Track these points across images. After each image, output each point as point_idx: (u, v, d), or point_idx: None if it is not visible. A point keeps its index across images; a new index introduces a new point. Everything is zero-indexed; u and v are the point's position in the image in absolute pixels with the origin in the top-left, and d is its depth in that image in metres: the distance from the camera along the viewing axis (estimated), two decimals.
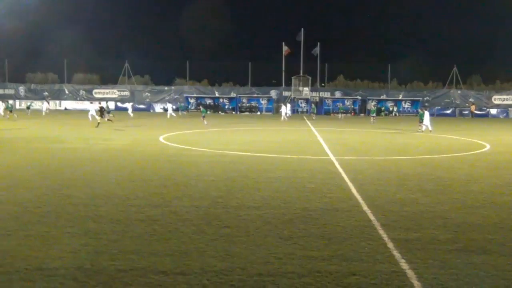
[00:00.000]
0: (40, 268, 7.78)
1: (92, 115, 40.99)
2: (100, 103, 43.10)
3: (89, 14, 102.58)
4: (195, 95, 67.57)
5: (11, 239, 9.19)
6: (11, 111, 45.10)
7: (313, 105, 61.77)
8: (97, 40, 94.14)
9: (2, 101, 49.62)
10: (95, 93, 68.91)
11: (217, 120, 48.70)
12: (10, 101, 53.78)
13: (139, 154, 21.82)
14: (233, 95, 67.67)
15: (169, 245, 8.99)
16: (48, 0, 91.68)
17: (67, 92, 69.00)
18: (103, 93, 68.69)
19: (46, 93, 67.84)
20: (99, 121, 35.49)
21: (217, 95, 68.21)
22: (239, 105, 66.57)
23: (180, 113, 57.96)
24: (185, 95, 67.36)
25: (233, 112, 65.65)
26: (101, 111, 35.97)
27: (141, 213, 11.20)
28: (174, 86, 71.50)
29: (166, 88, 70.26)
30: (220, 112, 65.11)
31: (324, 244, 9.14)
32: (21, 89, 68.88)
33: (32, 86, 70.38)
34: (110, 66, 75.60)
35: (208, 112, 43.74)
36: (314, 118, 53.56)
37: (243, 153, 22.33)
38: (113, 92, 69.14)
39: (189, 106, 66.41)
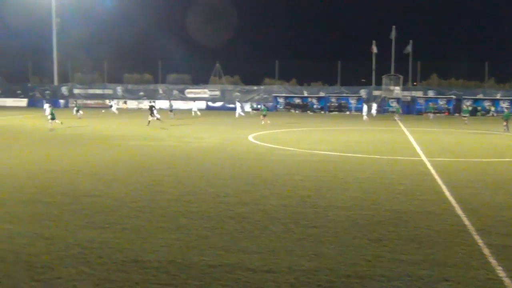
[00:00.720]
0: (135, 260, 8.14)
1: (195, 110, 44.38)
2: (150, 102, 44.21)
3: (181, 16, 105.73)
4: (284, 95, 67.82)
5: (109, 232, 9.67)
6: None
7: (397, 105, 60.12)
8: (190, 41, 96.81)
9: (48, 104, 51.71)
10: (187, 92, 70.92)
11: (305, 120, 48.61)
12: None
13: (229, 152, 22.24)
14: (321, 94, 67.26)
15: (257, 242, 9.10)
16: (144, 6, 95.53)
17: (161, 92, 71.51)
18: (195, 93, 70.52)
19: (141, 93, 70.76)
20: (149, 119, 36.24)
21: (305, 94, 68.08)
22: (327, 104, 66.05)
23: (251, 112, 57.93)
24: (273, 94, 67.80)
25: (322, 112, 65.23)
26: (151, 110, 36.60)
27: (231, 210, 11.41)
28: (263, 86, 72.17)
29: (255, 87, 71.05)
30: (308, 111, 64.93)
31: (415, 247, 8.89)
32: (119, 89, 72.14)
33: (129, 86, 73.55)
34: (201, 67, 77.50)
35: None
36: (396, 118, 51.17)
37: (332, 153, 22.15)
38: (204, 92, 70.84)
39: (278, 106, 66.73)
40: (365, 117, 49.91)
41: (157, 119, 36.58)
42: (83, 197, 12.60)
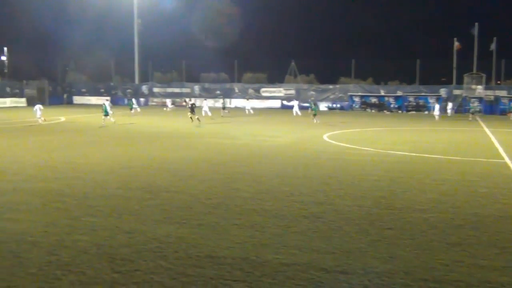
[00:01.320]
0: (210, 256, 8.31)
1: (205, 111, 44.81)
2: (190, 100, 44.35)
3: (255, 16, 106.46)
4: (359, 94, 66.86)
5: (185, 227, 9.93)
6: (131, 109, 47.98)
7: (475, 104, 57.63)
8: (264, 40, 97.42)
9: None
10: (263, 91, 71.40)
11: (382, 119, 47.71)
12: (133, 99, 57.17)
13: (303, 151, 22.21)
14: (399, 93, 65.73)
15: (331, 242, 9.05)
16: (220, 7, 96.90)
17: (236, 90, 72.40)
18: (270, 92, 70.87)
19: (218, 92, 71.92)
20: (190, 116, 36.24)
21: (382, 93, 66.77)
22: (405, 104, 64.48)
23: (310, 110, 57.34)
24: (349, 93, 66.98)
25: (399, 111, 63.71)
26: (192, 108, 36.53)
27: (305, 210, 11.40)
28: (338, 85, 71.43)
29: (330, 86, 70.42)
30: (385, 111, 63.65)
31: (496, 253, 8.54)
32: (196, 88, 73.67)
33: (206, 85, 74.94)
34: (277, 66, 77.70)
35: (317, 109, 42.24)
36: (470, 118, 48.54)
37: (408, 154, 21.62)
38: (279, 91, 71.03)
39: (354, 105, 65.88)
40: (436, 117, 48.23)
41: (197, 118, 36.39)
42: (161, 193, 12.99)
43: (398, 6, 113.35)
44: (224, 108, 49.15)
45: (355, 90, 68.59)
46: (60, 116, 41.32)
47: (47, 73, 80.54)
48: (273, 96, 69.93)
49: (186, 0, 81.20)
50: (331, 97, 68.95)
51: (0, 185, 13.77)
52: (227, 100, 64.96)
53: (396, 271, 7.70)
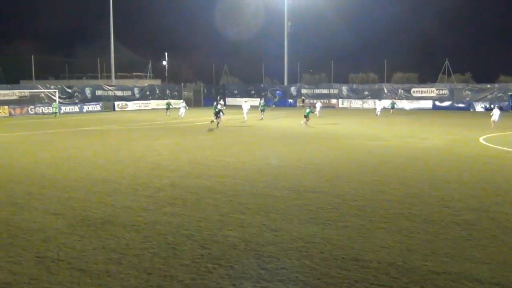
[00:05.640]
0: (355, 258, 8.22)
1: (246, 113, 42.60)
2: (219, 102, 40.78)
3: (406, 14, 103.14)
4: None
5: (331, 228, 9.93)
6: (168, 109, 47.97)
7: None
8: (416, 38, 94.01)
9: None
10: (413, 92, 68.97)
11: None
12: (171, 100, 57.27)
13: (456, 154, 21.07)
14: None
15: (486, 252, 8.50)
16: (367, 7, 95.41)
17: (386, 91, 70.72)
18: (421, 92, 68.21)
19: (366, 93, 70.89)
20: (214, 120, 34.29)
21: None
22: None
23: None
24: (510, 93, 62.25)
25: None
26: (218, 112, 34.22)
27: (457, 216, 10.83)
28: (497, 84, 66.69)
29: (488, 85, 65.98)
30: None
31: None
32: (344, 89, 73.22)
33: (354, 86, 74.22)
34: (429, 64, 74.75)
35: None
36: None
37: None
38: (431, 91, 68.13)
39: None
40: None
41: (218, 122, 34.29)
42: (307, 193, 13.11)
43: None
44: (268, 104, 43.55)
45: None
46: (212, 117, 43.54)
47: (202, 76, 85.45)
48: (424, 96, 67.18)
49: (335, 1, 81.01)
50: (489, 97, 64.54)
51: (159, 181, 14.84)
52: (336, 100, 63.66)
53: None
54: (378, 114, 48.71)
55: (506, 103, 61.14)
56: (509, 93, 62.54)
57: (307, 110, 36.81)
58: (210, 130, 33.09)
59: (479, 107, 63.45)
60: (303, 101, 68.09)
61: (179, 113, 44.15)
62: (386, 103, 59.97)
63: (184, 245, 8.93)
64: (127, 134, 30.38)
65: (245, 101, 46.35)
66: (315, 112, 42.84)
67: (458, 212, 11.13)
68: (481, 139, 26.94)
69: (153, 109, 62.05)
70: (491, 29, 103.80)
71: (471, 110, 63.64)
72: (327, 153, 21.22)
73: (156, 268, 7.86)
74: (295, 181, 14.88)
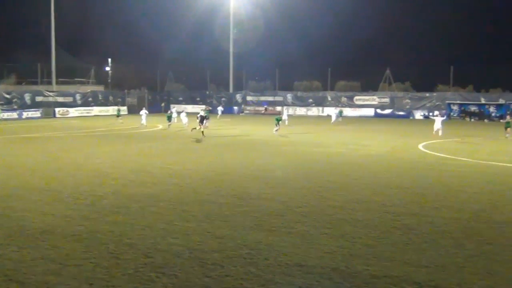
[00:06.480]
0: (299, 264, 8.29)
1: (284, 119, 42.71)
2: (202, 111, 36.67)
3: (349, 24, 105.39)
4: (458, 102, 64.20)
5: (275, 235, 9.98)
6: (118, 116, 46.86)
7: None
8: (359, 47, 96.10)
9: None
10: (356, 100, 70.42)
11: (482, 129, 45.55)
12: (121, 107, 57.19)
13: (396, 161, 21.64)
14: (501, 101, 62.43)
15: (425, 256, 8.75)
16: (312, 16, 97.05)
17: (329, 99, 71.91)
18: (364, 100, 69.75)
19: (310, 100, 71.87)
20: (197, 128, 31.68)
21: (483, 101, 63.73)
22: (508, 112, 61.12)
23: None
24: (447, 101, 64.51)
25: (500, 120, 60.45)
26: (202, 119, 31.98)
27: (397, 221, 11.11)
28: (435, 93, 69.00)
29: (427, 94, 68.16)
30: (485, 120, 60.71)
31: None
32: (289, 96, 73.95)
33: (298, 93, 75.08)
34: (372, 73, 76.39)
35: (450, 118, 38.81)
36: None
37: (511, 165, 20.47)
38: (373, 99, 69.76)
39: (452, 114, 63.39)
40: None
41: (203, 130, 31.81)
42: (252, 200, 13.15)
43: (499, 9, 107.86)
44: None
45: (454, 98, 65.96)
46: (158, 123, 43.00)
47: (147, 82, 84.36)
48: (366, 104, 68.77)
49: (280, 10, 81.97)
50: (428, 105, 66.71)
51: (101, 189, 14.53)
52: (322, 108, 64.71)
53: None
54: (333, 122, 47.66)
55: (444, 111, 63.34)
56: (447, 102, 64.84)
57: (277, 117, 36.18)
58: (156, 137, 32.72)
59: (418, 115, 65.49)
60: (265, 109, 68.54)
61: (142, 121, 41.88)
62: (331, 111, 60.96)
63: (126, 254, 8.77)
64: (69, 142, 29.64)
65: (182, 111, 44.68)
66: (283, 120, 42.30)
67: (398, 217, 11.42)
68: (420, 146, 27.78)
69: (95, 115, 60.83)
70: (430, 39, 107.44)
71: (411, 117, 65.59)
72: (272, 160, 21.35)
73: (97, 278, 7.68)
74: (240, 188, 14.89)
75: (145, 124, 40.82)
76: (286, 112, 49.67)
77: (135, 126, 40.25)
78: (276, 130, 34.86)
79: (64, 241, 9.51)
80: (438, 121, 34.63)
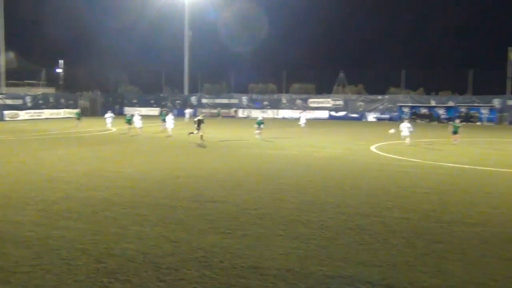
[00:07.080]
0: (254, 266, 8.30)
1: (303, 123, 42.55)
2: (199, 115, 35.53)
3: (304, 27, 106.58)
4: (409, 104, 65.76)
5: (230, 237, 9.97)
6: (78, 119, 45.01)
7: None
8: (313, 51, 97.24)
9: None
10: (310, 102, 71.18)
11: (432, 131, 46.72)
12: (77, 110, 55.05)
13: (350, 162, 21.97)
14: (450, 104, 64.29)
15: (377, 255, 8.90)
16: (268, 17, 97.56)
17: (284, 101, 72.43)
18: (318, 103, 70.59)
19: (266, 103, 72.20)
20: (194, 131, 31.59)
21: (433, 104, 65.46)
22: (456, 114, 62.95)
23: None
24: (398, 104, 65.99)
25: (449, 122, 62.30)
26: (199, 123, 31.59)
27: (351, 221, 11.27)
28: (387, 95, 70.48)
29: (379, 97, 69.57)
30: (435, 122, 62.36)
31: None
32: (244, 99, 74.12)
33: (254, 96, 75.34)
34: (325, 76, 77.40)
35: (418, 121, 38.83)
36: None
37: (460, 166, 21.07)
38: (327, 102, 70.67)
39: (403, 116, 64.85)
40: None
41: (200, 134, 31.33)
42: (207, 203, 13.09)
43: (444, 13, 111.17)
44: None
45: (405, 100, 67.53)
46: (112, 127, 42.31)
47: (100, 84, 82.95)
48: (320, 107, 69.63)
49: (236, 13, 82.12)
50: (380, 107, 68.08)
51: (53, 194, 14.18)
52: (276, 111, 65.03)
53: (445, 285, 7.51)
54: (303, 125, 45.08)
55: (396, 113, 64.70)
56: (398, 104, 66.28)
57: (259, 119, 35.20)
58: (108, 141, 32.19)
59: (371, 117, 66.73)
60: (235, 111, 68.56)
61: (107, 124, 40.80)
62: (287, 113, 61.43)
63: (78, 260, 8.58)
64: (19, 145, 28.83)
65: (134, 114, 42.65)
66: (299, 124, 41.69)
67: (351, 218, 11.59)
68: (372, 148, 28.30)
69: (46, 118, 59.42)
70: (382, 43, 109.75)
71: (364, 120, 66.75)
72: (227, 163, 21.33)
73: (48, 286, 7.49)
74: (195, 191, 14.81)
75: (110, 127, 39.72)
76: (304, 116, 45.67)
77: (89, 129, 39.42)
78: (258, 134, 34.16)
79: (13, 247, 9.24)
80: (405, 127, 30.40)
